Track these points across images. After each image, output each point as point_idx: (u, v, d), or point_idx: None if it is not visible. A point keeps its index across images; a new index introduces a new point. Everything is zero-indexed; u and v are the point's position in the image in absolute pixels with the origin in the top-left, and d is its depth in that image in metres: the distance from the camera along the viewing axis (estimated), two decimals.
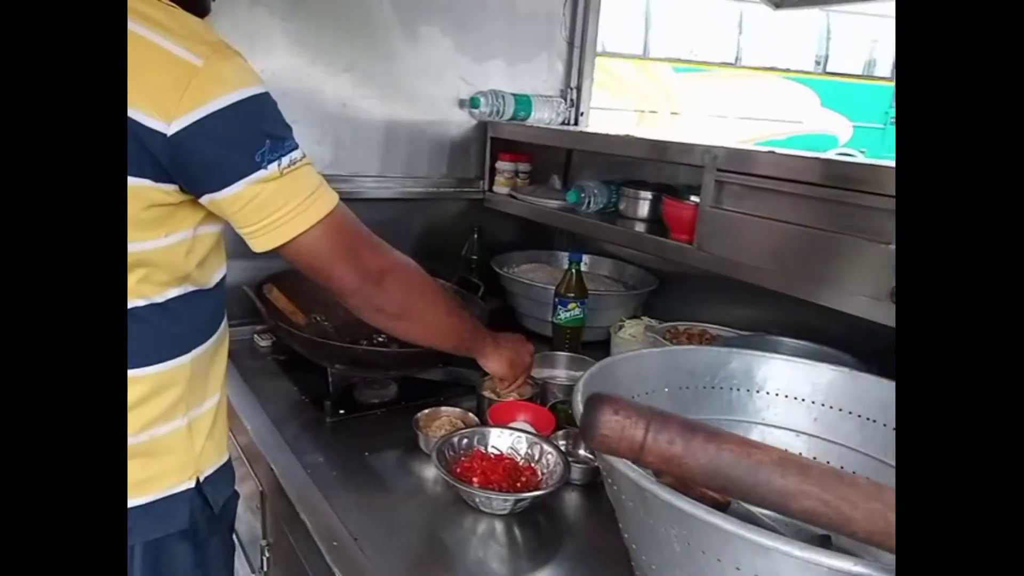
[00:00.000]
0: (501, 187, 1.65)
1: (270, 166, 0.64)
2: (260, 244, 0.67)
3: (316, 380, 1.14)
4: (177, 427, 0.72)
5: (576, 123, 1.77)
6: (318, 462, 0.95)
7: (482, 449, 0.94)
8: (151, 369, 0.69)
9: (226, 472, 0.81)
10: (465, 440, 0.94)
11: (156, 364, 0.70)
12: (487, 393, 1.11)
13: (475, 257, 1.60)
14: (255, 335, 1.36)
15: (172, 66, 0.59)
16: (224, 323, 0.80)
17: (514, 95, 1.61)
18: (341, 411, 1.09)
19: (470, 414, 1.05)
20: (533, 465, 0.92)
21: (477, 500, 0.84)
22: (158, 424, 0.71)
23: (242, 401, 1.11)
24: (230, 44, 0.64)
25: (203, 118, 0.60)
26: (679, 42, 6.82)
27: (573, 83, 1.74)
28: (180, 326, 0.71)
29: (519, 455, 0.94)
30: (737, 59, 7.06)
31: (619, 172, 1.59)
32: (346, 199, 1.44)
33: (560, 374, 1.28)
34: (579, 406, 0.76)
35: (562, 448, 0.95)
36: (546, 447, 0.93)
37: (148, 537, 0.70)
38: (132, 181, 0.60)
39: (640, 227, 1.37)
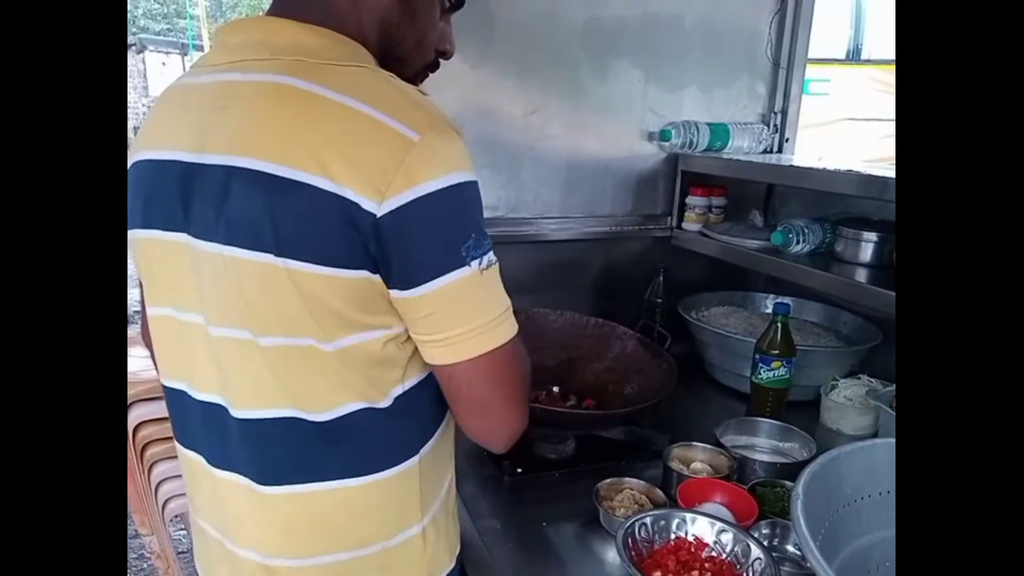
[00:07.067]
0: (691, 224, 1.52)
1: (473, 263, 0.55)
2: (437, 355, 0.58)
3: None
4: (410, 535, 0.66)
5: (780, 150, 1.58)
6: (495, 528, 0.91)
7: (672, 538, 0.83)
8: (371, 478, 0.63)
9: None
10: (653, 524, 0.84)
11: (376, 473, 0.63)
12: (674, 465, 1.00)
13: (659, 300, 1.49)
14: None
15: (387, 140, 0.52)
16: None
17: (709, 124, 1.48)
18: (519, 470, 1.05)
19: (656, 489, 0.95)
20: (730, 560, 0.80)
21: None
22: (389, 536, 0.65)
23: None
24: (450, 120, 0.57)
25: (417, 199, 0.52)
26: None
27: (778, 107, 1.56)
28: (407, 425, 0.64)
29: (716, 549, 0.82)
30: None
31: (831, 207, 1.38)
32: (528, 242, 1.48)
33: (761, 444, 1.12)
34: (798, 513, 0.65)
35: (765, 544, 0.81)
36: (751, 545, 0.80)
37: None
38: (350, 273, 0.54)
39: (862, 275, 1.17)
